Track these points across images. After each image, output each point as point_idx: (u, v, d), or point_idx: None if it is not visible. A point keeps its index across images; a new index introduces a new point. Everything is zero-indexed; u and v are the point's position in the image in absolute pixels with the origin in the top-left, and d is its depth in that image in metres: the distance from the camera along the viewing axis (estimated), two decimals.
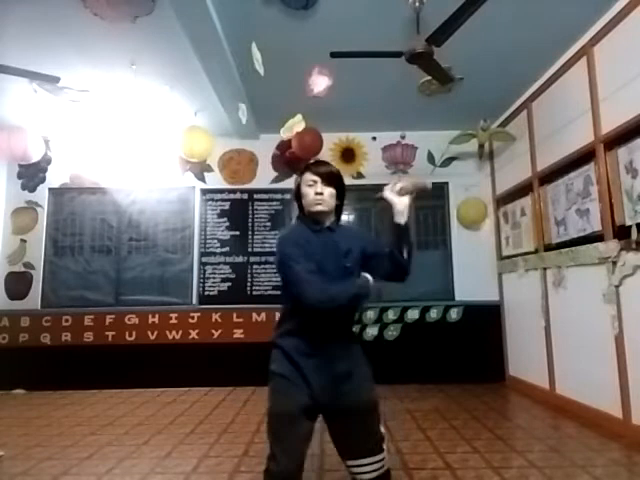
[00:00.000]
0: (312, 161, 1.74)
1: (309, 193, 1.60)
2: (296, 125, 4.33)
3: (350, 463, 1.55)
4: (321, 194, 1.59)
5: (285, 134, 4.30)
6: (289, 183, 5.47)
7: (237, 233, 5.42)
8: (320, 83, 3.44)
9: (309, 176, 1.62)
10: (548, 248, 4.10)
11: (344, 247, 1.59)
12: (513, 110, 4.81)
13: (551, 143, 4.05)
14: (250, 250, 5.38)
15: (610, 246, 3.17)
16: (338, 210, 1.68)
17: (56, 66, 3.70)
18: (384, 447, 1.57)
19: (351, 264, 1.58)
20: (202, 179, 5.52)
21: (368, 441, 1.55)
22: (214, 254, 5.37)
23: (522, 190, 4.62)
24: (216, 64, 3.68)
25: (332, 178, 1.63)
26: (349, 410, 1.55)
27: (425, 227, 5.46)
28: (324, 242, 1.58)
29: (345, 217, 5.29)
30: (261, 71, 3.27)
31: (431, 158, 5.49)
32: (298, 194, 1.66)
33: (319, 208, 1.59)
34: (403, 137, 5.38)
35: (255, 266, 5.34)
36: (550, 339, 4.09)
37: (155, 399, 4.57)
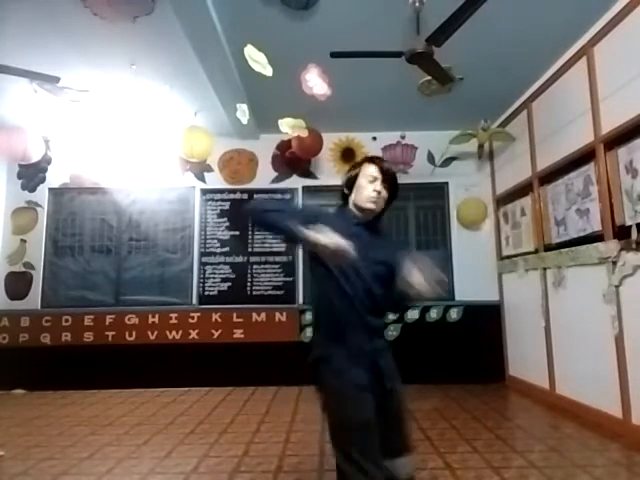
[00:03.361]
0: (373, 156, 1.65)
1: (367, 187, 1.52)
2: (298, 129, 4.34)
3: (391, 463, 1.47)
4: (379, 193, 1.52)
5: (284, 127, 4.29)
6: (289, 183, 5.48)
7: (237, 233, 5.42)
8: (320, 86, 3.44)
9: (373, 170, 1.53)
10: (548, 248, 4.10)
11: (381, 255, 1.51)
12: (513, 110, 4.81)
13: (551, 143, 4.05)
14: (250, 250, 5.38)
15: (610, 246, 3.17)
16: (380, 215, 1.61)
17: (56, 66, 3.70)
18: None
19: (384, 274, 1.50)
20: (202, 179, 5.52)
21: (407, 437, 1.55)
22: (214, 254, 5.37)
23: (522, 190, 4.62)
24: (216, 64, 3.68)
25: (391, 181, 1.55)
26: (394, 407, 1.53)
27: (425, 227, 5.46)
28: (363, 240, 1.48)
29: None
30: (266, 72, 3.20)
31: (431, 158, 5.49)
32: (350, 183, 1.57)
33: (372, 206, 1.52)
34: (403, 137, 5.37)
35: (255, 266, 5.33)
36: (550, 339, 4.09)
37: (155, 399, 4.57)
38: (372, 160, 1.58)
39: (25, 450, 3.06)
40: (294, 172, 5.47)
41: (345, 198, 1.60)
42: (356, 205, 1.55)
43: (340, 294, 1.48)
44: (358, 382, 1.44)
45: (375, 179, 1.53)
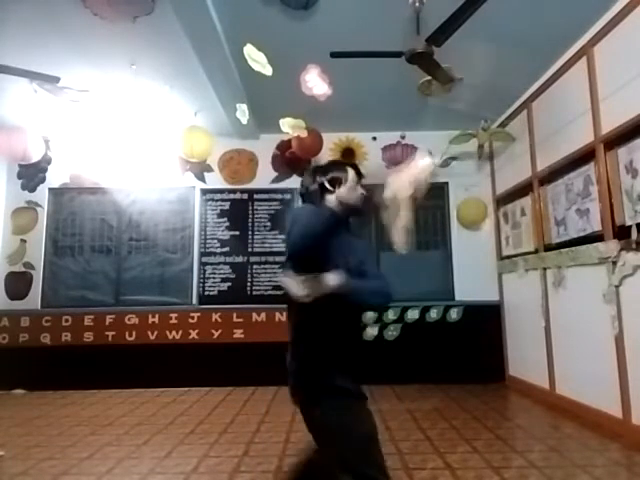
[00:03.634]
0: (351, 161, 1.83)
1: (358, 189, 1.67)
2: (298, 129, 4.34)
3: None
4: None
5: (285, 127, 4.30)
6: (289, 183, 5.48)
7: (237, 233, 5.42)
8: (320, 86, 3.43)
9: (356, 178, 1.67)
10: (548, 248, 4.10)
11: (362, 255, 1.62)
12: (513, 110, 4.81)
13: (551, 143, 4.05)
14: (250, 250, 5.38)
15: (610, 246, 3.17)
16: None
17: (56, 66, 3.69)
18: None
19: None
20: (202, 179, 5.52)
21: None
22: (214, 254, 5.37)
23: (522, 190, 4.62)
24: (216, 64, 3.68)
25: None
26: None
27: (425, 227, 5.46)
28: (351, 240, 1.64)
29: None
30: (266, 72, 3.20)
31: None
32: (337, 182, 1.65)
33: (360, 205, 1.66)
34: (403, 137, 5.37)
35: (255, 266, 5.34)
36: (550, 339, 4.09)
37: (155, 399, 4.57)
38: (355, 167, 1.71)
39: (25, 450, 3.06)
40: (294, 172, 5.46)
41: (321, 195, 1.65)
42: (343, 202, 1.64)
43: (355, 317, 1.62)
44: (359, 395, 1.51)
45: (360, 182, 1.69)
